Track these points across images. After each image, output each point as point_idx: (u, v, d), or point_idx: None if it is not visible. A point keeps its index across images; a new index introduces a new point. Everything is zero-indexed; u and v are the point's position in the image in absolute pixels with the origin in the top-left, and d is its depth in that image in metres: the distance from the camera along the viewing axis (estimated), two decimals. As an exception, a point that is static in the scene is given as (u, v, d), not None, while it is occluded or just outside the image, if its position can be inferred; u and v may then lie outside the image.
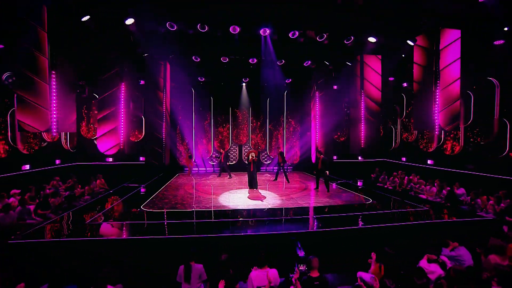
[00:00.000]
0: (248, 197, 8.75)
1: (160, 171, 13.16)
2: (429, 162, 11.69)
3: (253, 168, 9.62)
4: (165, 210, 7.24)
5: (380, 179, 12.00)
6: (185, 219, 6.77)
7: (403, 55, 11.17)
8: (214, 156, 15.21)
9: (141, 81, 13.30)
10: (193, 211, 7.27)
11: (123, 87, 11.79)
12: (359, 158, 14.64)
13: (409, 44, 10.15)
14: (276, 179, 11.82)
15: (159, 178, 12.27)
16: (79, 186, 9.01)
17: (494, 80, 9.39)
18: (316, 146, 13.81)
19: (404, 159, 13.40)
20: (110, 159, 12.67)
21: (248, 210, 7.47)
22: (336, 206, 7.82)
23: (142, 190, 9.31)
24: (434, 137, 11.34)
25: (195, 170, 14.71)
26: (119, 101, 11.56)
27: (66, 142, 11.88)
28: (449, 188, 8.51)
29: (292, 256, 4.65)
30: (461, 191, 8.69)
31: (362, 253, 4.12)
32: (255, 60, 12.30)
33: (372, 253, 3.91)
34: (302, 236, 5.50)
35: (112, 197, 8.63)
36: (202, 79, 14.12)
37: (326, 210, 7.63)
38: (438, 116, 9.37)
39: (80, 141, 12.73)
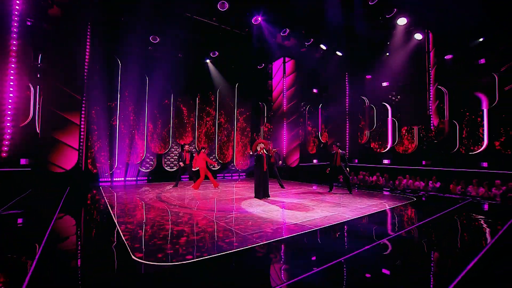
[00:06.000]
0: (282, 207, 5.90)
1: (66, 183, 7.70)
2: (385, 161, 12.63)
3: (266, 167, 6.83)
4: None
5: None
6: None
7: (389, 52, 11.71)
8: (148, 159, 10.68)
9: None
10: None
11: None
12: (314, 161, 14.25)
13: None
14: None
15: (71, 194, 7.00)
16: None
17: (443, 89, 11.18)
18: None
19: (356, 160, 14.02)
20: None
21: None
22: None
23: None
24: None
25: (113, 181, 9.72)
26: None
27: None
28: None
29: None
30: (438, 184, 9.51)
31: None
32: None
33: None
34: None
35: None
36: (156, 40, 9.57)
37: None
38: (432, 111, 10.18)
39: None
